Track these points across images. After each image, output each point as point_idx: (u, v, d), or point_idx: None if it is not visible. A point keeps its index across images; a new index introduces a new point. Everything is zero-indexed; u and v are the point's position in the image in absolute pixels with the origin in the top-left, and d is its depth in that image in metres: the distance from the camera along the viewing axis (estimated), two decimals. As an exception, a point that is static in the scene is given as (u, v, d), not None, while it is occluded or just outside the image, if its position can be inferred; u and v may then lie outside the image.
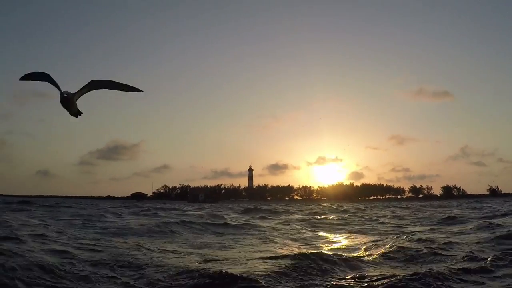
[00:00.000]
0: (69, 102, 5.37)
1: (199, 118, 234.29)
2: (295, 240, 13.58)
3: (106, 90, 5.62)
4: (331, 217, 26.38)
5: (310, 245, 12.19)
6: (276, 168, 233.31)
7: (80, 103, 5.59)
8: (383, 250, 9.71)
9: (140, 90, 5.70)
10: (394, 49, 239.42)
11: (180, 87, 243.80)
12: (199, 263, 8.46)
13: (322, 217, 26.07)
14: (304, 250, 9.56)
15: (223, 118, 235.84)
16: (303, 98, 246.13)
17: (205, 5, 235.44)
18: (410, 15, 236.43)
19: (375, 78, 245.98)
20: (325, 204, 65.22)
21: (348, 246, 11.61)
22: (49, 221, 17.39)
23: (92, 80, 5.45)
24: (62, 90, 5.29)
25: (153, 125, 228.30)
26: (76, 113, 5.67)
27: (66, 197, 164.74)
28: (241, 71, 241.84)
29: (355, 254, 9.57)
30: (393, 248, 9.88)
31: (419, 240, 11.10)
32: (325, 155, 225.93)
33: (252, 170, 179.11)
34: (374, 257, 9.17)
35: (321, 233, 15.54)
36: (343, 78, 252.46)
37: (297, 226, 18.26)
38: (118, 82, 5.57)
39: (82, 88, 5.43)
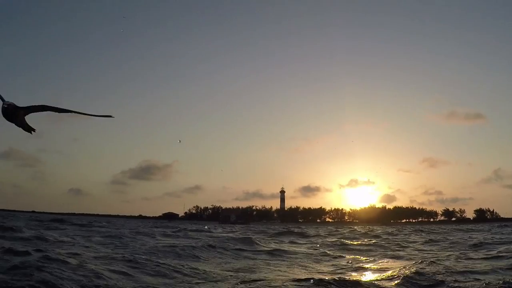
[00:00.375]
0: (11, 115, 4.73)
1: (231, 139, 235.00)
2: (326, 265, 13.64)
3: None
4: (362, 241, 26.23)
5: (341, 270, 12.27)
6: (308, 190, 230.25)
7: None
8: (411, 276, 9.81)
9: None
10: (425, 71, 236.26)
11: (213, 109, 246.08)
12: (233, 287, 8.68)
13: (353, 241, 25.90)
14: (335, 277, 9.69)
15: (256, 139, 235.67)
16: (335, 121, 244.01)
17: (237, 27, 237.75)
18: (441, 37, 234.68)
19: (407, 100, 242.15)
20: (356, 227, 64.50)
21: (378, 271, 11.68)
22: (82, 241, 17.91)
23: (44, 105, 4.90)
24: (5, 100, 4.71)
25: (185, 146, 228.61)
26: (26, 128, 5.10)
27: (98, 215, 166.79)
28: (273, 94, 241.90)
29: (384, 280, 9.66)
30: (421, 274, 10.01)
31: (446, 267, 11.18)
32: (357, 177, 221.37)
33: (284, 192, 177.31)
34: (402, 283, 9.26)
35: (351, 258, 15.53)
36: (375, 101, 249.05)
37: (327, 251, 18.28)
38: (65, 109, 4.97)
39: (33, 106, 4.88)
